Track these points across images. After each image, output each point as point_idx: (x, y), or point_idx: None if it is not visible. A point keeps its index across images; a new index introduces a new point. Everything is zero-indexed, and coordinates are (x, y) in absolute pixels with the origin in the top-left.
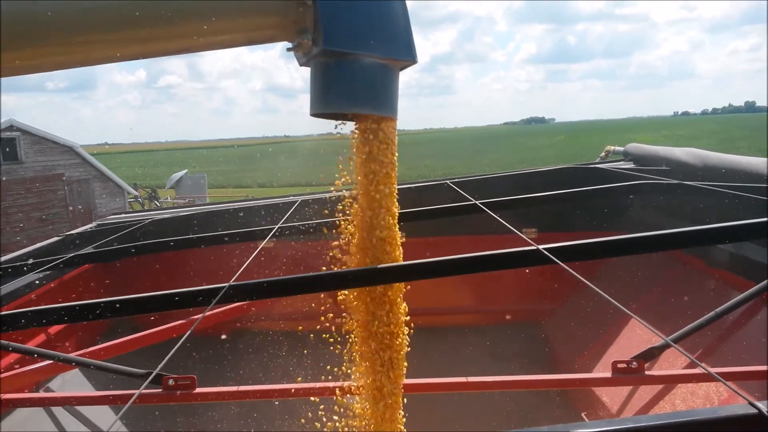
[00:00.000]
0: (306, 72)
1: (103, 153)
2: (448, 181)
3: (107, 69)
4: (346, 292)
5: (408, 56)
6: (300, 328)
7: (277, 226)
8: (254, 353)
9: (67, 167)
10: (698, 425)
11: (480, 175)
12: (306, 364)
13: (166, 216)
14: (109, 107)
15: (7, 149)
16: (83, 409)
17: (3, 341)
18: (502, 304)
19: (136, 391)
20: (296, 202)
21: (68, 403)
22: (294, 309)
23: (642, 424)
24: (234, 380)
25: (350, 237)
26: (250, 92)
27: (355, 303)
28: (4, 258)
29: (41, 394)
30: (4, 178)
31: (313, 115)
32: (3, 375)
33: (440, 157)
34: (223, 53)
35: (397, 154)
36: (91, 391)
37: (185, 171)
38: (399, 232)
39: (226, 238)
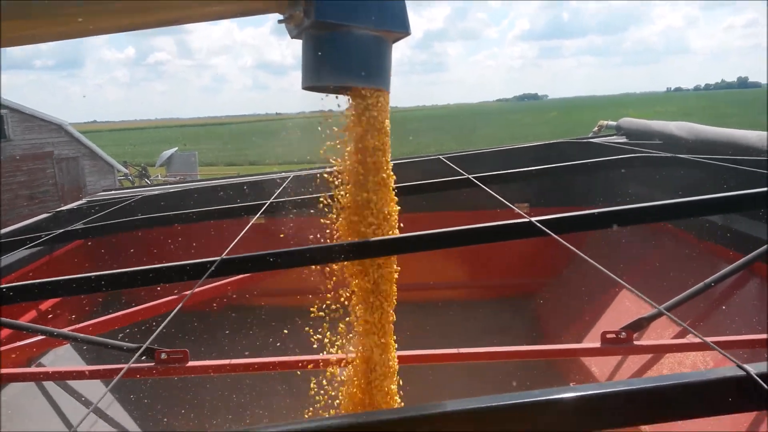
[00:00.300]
0: (297, 48)
1: (92, 131)
2: (440, 156)
3: (95, 46)
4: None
5: (401, 28)
6: (292, 303)
7: (268, 201)
8: (247, 328)
9: (57, 145)
10: (687, 388)
11: (472, 151)
12: (298, 339)
13: (156, 192)
14: (98, 85)
15: None
16: (75, 384)
17: None
18: (494, 279)
19: (127, 365)
20: (288, 177)
21: (60, 378)
22: (287, 284)
23: (631, 387)
24: (227, 354)
25: (344, 210)
26: (241, 69)
27: (347, 273)
28: None
29: (33, 369)
30: None
31: (305, 88)
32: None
33: (432, 134)
34: (213, 29)
35: (389, 128)
36: (83, 366)
37: (175, 148)
38: (395, 206)
39: (216, 214)
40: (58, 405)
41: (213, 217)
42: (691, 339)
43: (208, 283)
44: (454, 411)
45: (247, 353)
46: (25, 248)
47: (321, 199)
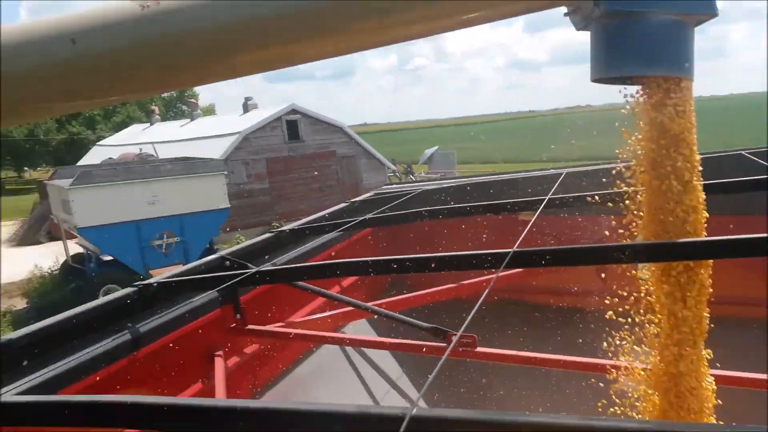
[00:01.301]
0: (549, 45)
1: (362, 132)
2: (744, 151)
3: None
4: (650, 268)
5: (707, 10)
6: (572, 303)
7: (547, 197)
8: (527, 322)
9: (338, 145)
10: None
11: None
12: (585, 341)
13: (433, 187)
14: (365, 91)
15: (291, 130)
16: (370, 352)
17: (315, 287)
18: None
19: (426, 343)
20: (561, 174)
21: (363, 345)
22: (564, 282)
23: None
24: (507, 346)
25: (638, 211)
26: (494, 69)
27: (656, 281)
28: (305, 220)
29: (342, 335)
30: (291, 155)
31: (594, 80)
32: (315, 317)
33: (714, 129)
34: (467, 32)
35: (694, 119)
36: (384, 338)
37: (436, 147)
38: (703, 210)
39: (495, 209)
40: (358, 369)
41: (491, 212)
42: None
43: (488, 273)
44: None
45: (528, 348)
46: (335, 232)
47: (610, 195)
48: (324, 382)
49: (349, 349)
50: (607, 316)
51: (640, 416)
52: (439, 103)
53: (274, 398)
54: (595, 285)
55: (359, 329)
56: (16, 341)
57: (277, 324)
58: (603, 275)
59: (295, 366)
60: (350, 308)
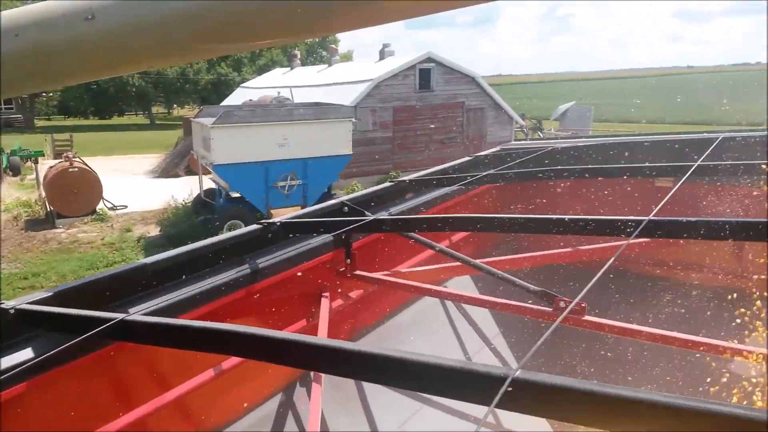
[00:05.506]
0: None
1: (496, 84)
2: None
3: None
4: None
5: None
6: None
7: (696, 164)
8: (642, 295)
9: (468, 96)
10: None
11: None
12: (700, 318)
13: (566, 145)
14: (507, 40)
15: (423, 79)
16: (470, 309)
17: (425, 239)
18: None
19: (531, 305)
20: (716, 138)
21: (464, 301)
22: (688, 258)
23: None
24: (618, 317)
25: None
26: (654, 18)
27: None
28: (426, 171)
29: (446, 289)
30: (418, 104)
31: None
32: (421, 269)
33: None
34: None
35: None
36: (485, 296)
37: (573, 103)
38: None
39: (632, 173)
40: (455, 324)
41: (627, 174)
42: None
43: (605, 241)
44: None
45: (635, 320)
46: (454, 186)
47: None
48: (420, 332)
49: (449, 303)
50: (732, 298)
51: (751, 404)
52: (586, 55)
53: (372, 341)
54: (728, 263)
55: (462, 285)
56: (149, 266)
57: (384, 272)
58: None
59: (395, 314)
60: (457, 263)
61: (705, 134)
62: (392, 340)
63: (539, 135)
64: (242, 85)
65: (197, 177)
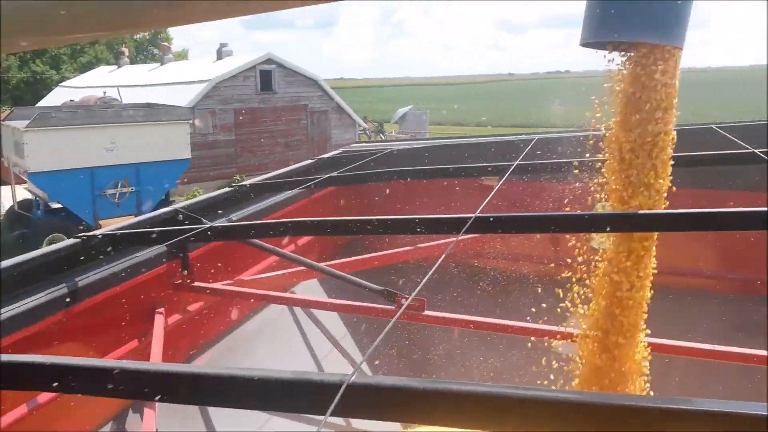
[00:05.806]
0: (541, 6)
1: (338, 87)
2: (714, 125)
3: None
4: (607, 238)
5: None
6: (519, 269)
7: (515, 163)
8: (480, 288)
9: (311, 99)
10: None
11: (755, 122)
12: (528, 306)
13: (403, 147)
14: (348, 44)
15: (264, 81)
16: (317, 313)
17: (268, 245)
18: (755, 272)
19: (374, 305)
20: (532, 140)
21: (310, 306)
22: (512, 249)
23: None
24: (456, 310)
25: (608, 180)
26: (476, 28)
27: (613, 252)
28: (267, 175)
29: (290, 295)
30: (261, 107)
31: (583, 45)
32: (264, 275)
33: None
34: None
35: (676, 90)
36: (330, 299)
37: (410, 107)
38: (667, 182)
39: (463, 173)
40: (303, 329)
41: (460, 175)
42: None
43: (441, 238)
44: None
45: (478, 313)
46: (297, 189)
47: (580, 163)
48: (267, 341)
49: (297, 309)
50: (553, 283)
51: (577, 380)
52: (421, 61)
53: (215, 355)
54: (547, 252)
55: (310, 290)
56: None
57: (225, 282)
58: (556, 244)
59: (240, 324)
60: (302, 268)
61: (524, 135)
62: (238, 352)
63: (381, 137)
64: (62, 84)
65: (9, 187)
